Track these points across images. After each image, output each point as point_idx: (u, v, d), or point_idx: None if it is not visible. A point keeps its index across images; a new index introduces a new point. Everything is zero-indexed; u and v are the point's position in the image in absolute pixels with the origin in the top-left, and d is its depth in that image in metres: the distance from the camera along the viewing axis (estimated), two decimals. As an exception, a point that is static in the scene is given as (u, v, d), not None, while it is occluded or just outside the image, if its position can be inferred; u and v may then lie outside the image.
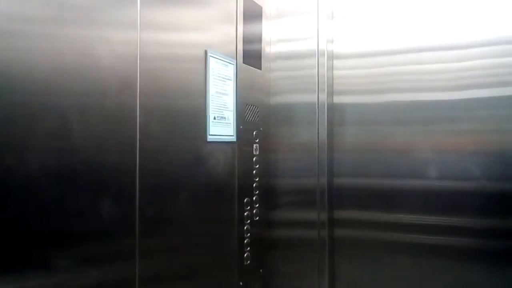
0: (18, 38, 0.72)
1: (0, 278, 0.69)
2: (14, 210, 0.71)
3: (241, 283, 1.34)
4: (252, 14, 1.44)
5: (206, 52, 1.18)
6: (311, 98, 1.50)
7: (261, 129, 1.47)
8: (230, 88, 1.30)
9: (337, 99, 1.51)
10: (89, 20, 0.84)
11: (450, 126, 1.38)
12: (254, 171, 1.43)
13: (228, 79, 1.29)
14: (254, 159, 1.44)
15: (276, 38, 1.55)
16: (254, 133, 1.44)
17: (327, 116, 1.49)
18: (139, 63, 0.94)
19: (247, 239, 1.38)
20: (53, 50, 0.77)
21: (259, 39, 1.49)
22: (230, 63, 1.30)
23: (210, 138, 1.19)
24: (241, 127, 1.35)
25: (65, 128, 0.79)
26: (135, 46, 0.94)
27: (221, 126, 1.25)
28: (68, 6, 0.80)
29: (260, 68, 1.48)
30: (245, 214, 1.38)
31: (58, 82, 0.78)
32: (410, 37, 1.42)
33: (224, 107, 1.26)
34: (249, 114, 1.42)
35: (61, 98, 0.78)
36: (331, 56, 1.51)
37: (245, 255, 1.37)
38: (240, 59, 1.35)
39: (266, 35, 1.53)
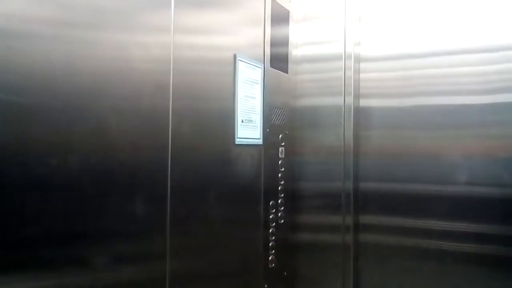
0: (58, 43, 0.74)
1: (38, 274, 0.71)
2: (50, 209, 0.73)
3: (266, 285, 1.35)
4: (280, 18, 1.45)
5: (235, 56, 1.19)
6: (337, 101, 1.50)
7: (286, 132, 1.48)
8: (257, 92, 1.31)
9: (363, 103, 1.50)
10: (126, 25, 0.86)
11: (479, 131, 1.35)
12: (279, 174, 1.44)
13: (256, 83, 1.30)
14: (279, 162, 1.44)
15: (302, 41, 1.55)
16: (280, 136, 1.45)
17: (353, 119, 1.48)
18: (172, 66, 0.96)
19: (272, 242, 1.38)
20: (90, 53, 0.79)
21: (286, 43, 1.49)
22: (258, 66, 1.31)
23: (238, 141, 1.20)
24: (267, 130, 1.36)
25: (102, 130, 0.81)
26: (169, 50, 0.95)
27: (249, 129, 1.26)
28: (104, 11, 0.82)
29: (286, 72, 1.49)
30: (270, 217, 1.38)
31: (96, 85, 0.80)
32: (438, 40, 1.40)
33: (251, 110, 1.27)
34: (276, 117, 1.42)
35: (98, 100, 0.80)
36: (358, 59, 1.50)
37: (270, 257, 1.37)
38: (268, 63, 1.36)
39: (293, 39, 1.53)
